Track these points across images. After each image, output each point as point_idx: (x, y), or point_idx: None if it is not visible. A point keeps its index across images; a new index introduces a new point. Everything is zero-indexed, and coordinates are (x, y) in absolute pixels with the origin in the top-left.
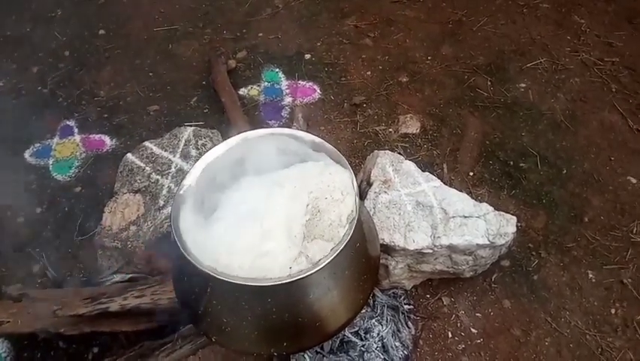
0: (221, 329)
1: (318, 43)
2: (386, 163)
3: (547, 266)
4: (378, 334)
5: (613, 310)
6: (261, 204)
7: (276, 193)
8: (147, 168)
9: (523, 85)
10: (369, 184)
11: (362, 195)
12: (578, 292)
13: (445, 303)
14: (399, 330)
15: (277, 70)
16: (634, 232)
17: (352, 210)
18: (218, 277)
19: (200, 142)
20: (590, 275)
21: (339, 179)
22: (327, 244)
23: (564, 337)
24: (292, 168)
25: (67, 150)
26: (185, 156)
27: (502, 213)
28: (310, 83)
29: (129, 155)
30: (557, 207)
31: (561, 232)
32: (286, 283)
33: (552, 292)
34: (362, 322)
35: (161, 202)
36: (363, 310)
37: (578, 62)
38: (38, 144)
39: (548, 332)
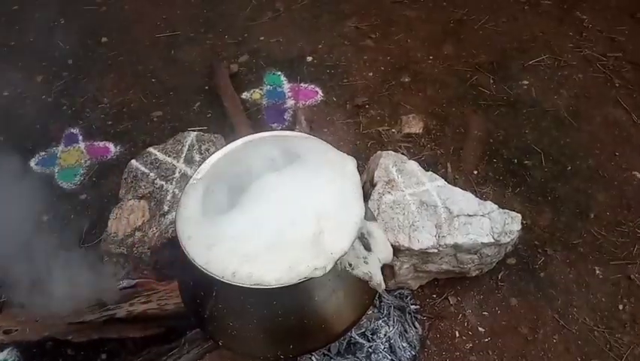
0: (228, 332)
1: (320, 46)
2: (389, 163)
3: (553, 263)
4: (385, 335)
5: (621, 306)
6: (275, 214)
7: (288, 201)
8: (151, 173)
9: (525, 82)
10: (373, 185)
11: (366, 196)
12: (585, 289)
13: (451, 302)
14: (406, 330)
15: (279, 73)
16: None
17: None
18: (224, 280)
19: (203, 147)
20: (597, 271)
21: (352, 182)
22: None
23: (572, 334)
24: (305, 172)
25: (72, 157)
26: (189, 161)
27: (506, 211)
28: (312, 86)
29: (133, 161)
30: (562, 203)
31: (567, 228)
32: (291, 285)
33: (559, 290)
34: (369, 323)
35: (166, 208)
36: (370, 312)
37: (580, 57)
38: (43, 153)
39: (556, 329)
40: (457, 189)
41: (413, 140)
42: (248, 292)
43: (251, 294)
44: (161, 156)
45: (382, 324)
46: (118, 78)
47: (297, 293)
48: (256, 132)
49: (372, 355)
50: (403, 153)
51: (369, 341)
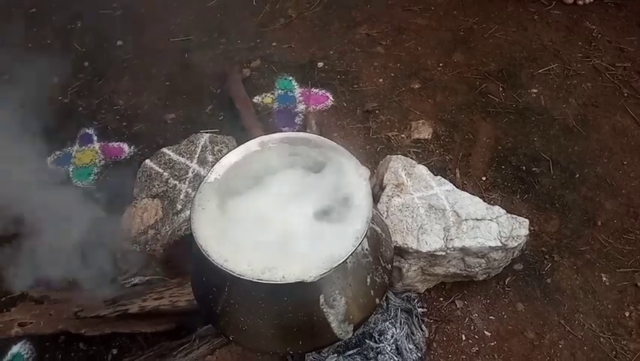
0: (238, 328)
1: (331, 52)
2: (399, 167)
3: (560, 269)
4: (392, 336)
5: (627, 313)
6: (287, 215)
7: (300, 202)
8: (165, 173)
9: (534, 90)
10: (382, 188)
11: (375, 198)
12: (591, 295)
13: (458, 306)
14: (412, 333)
15: (291, 78)
16: None
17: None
18: (236, 276)
19: (216, 148)
20: (604, 278)
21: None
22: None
23: (578, 340)
24: (317, 175)
25: (86, 157)
26: (202, 162)
27: (514, 216)
28: (323, 91)
29: (148, 161)
30: (570, 211)
31: (574, 235)
32: (301, 282)
33: (566, 296)
34: (376, 324)
35: (179, 206)
36: (378, 313)
37: (589, 67)
38: (59, 152)
39: (562, 335)
40: (466, 194)
41: (422, 145)
42: (259, 288)
43: (262, 290)
44: (174, 156)
45: (389, 326)
46: (132, 81)
47: (308, 290)
48: (268, 134)
49: (379, 356)
50: (412, 158)
51: (376, 342)
